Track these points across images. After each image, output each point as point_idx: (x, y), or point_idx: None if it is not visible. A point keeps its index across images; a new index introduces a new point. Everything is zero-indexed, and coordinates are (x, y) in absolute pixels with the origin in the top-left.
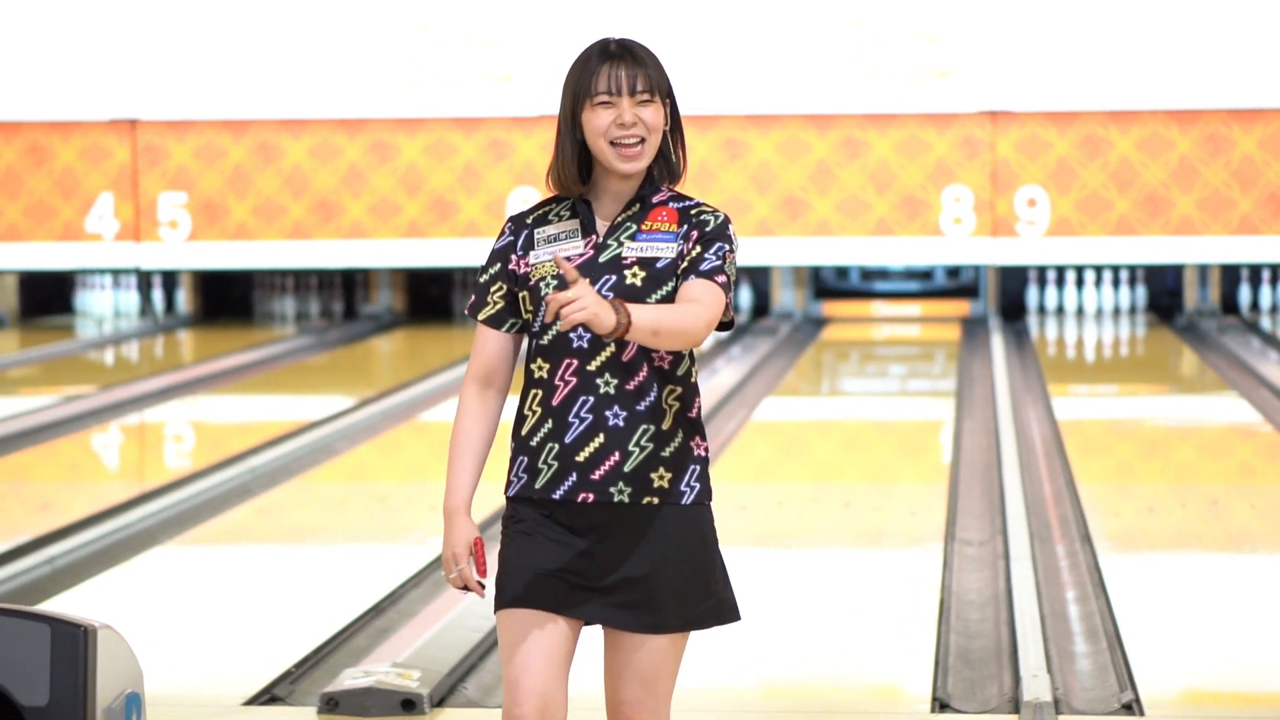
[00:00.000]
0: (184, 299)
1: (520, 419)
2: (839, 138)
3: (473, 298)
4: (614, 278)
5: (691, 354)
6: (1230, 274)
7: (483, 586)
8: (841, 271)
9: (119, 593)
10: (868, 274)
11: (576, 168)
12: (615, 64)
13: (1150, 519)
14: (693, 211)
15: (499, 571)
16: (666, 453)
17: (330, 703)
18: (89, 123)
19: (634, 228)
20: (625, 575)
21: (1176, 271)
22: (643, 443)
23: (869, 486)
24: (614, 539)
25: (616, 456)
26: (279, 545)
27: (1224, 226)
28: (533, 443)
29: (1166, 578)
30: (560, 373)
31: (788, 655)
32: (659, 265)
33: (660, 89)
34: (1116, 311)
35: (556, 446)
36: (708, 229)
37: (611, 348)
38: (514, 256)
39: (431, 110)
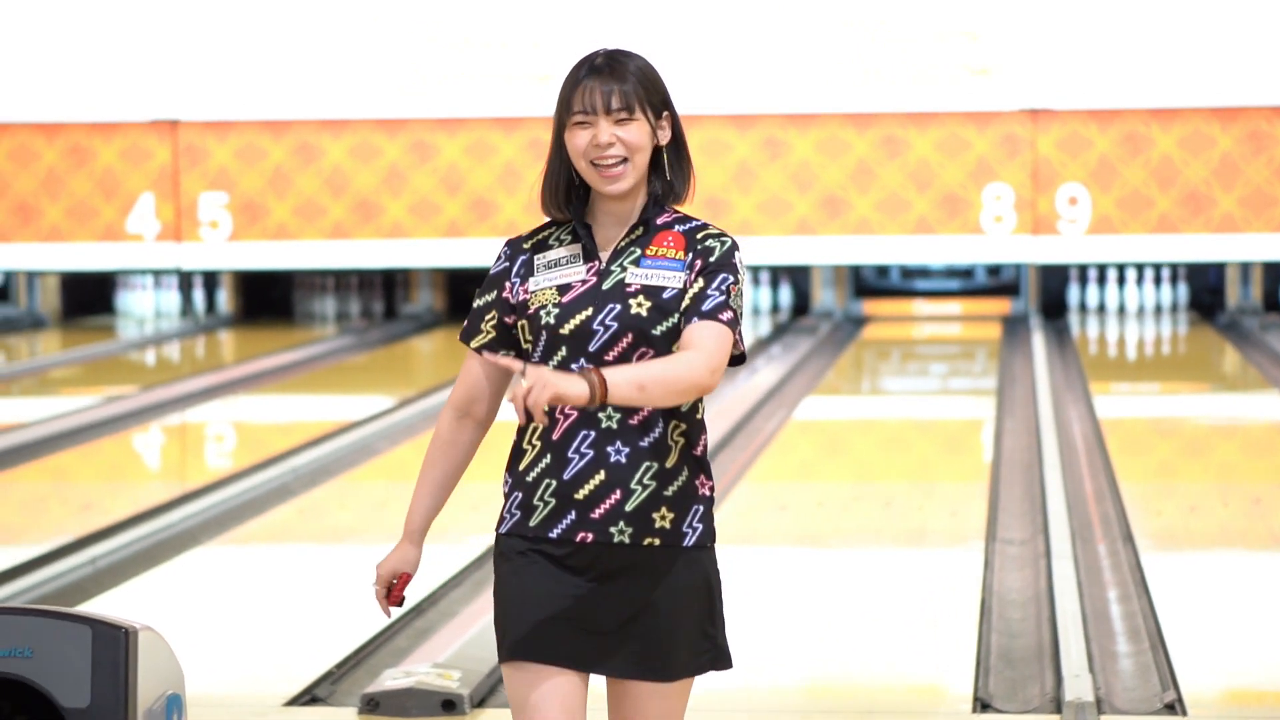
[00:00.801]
0: (225, 299)
1: (518, 453)
2: (879, 136)
3: (466, 323)
4: (618, 307)
5: None
6: (1273, 271)
7: (389, 614)
8: (882, 270)
9: (160, 593)
10: (908, 272)
11: (565, 189)
12: (594, 80)
13: (1192, 518)
14: (698, 235)
15: (498, 615)
16: (670, 492)
17: (371, 703)
18: (130, 124)
19: (638, 252)
20: (628, 621)
21: (1218, 269)
22: (645, 481)
23: (910, 486)
24: (613, 582)
25: (617, 495)
26: (320, 545)
27: (1266, 224)
28: (529, 478)
29: (1209, 577)
30: (562, 405)
31: (829, 655)
32: (665, 296)
33: (646, 105)
34: (1158, 309)
35: (554, 482)
36: (712, 257)
37: None
38: (509, 284)
39: (471, 110)
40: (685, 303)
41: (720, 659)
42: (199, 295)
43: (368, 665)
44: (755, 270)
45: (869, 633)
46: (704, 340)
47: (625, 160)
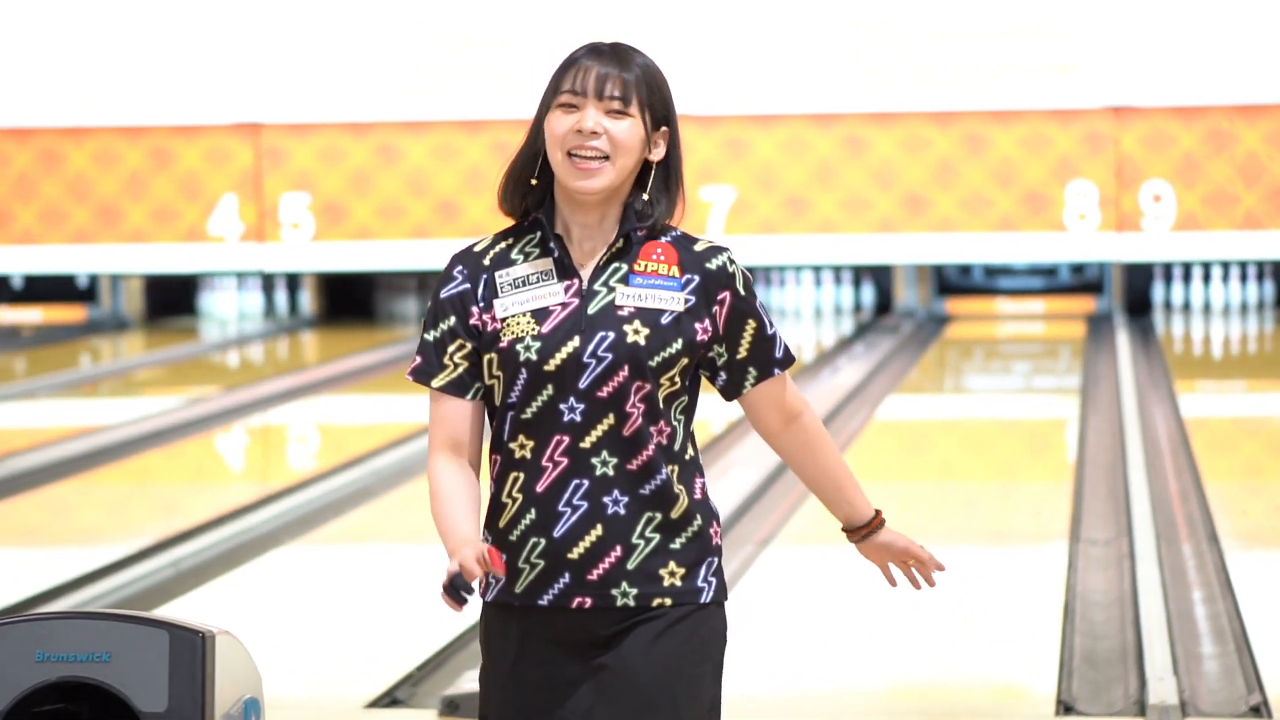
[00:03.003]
0: (307, 300)
1: (496, 508)
2: (961, 134)
3: (417, 359)
4: (611, 335)
5: (688, 422)
6: None
7: (495, 582)
8: (965, 268)
9: (242, 595)
10: (991, 271)
11: (524, 184)
12: (593, 61)
13: (1279, 518)
14: (697, 250)
15: (483, 700)
16: (677, 544)
17: (451, 705)
18: (212, 126)
19: (624, 268)
20: (635, 694)
21: None
22: (648, 533)
23: (993, 486)
24: (617, 651)
25: (618, 551)
26: (401, 546)
27: None
28: (512, 537)
29: None
30: (548, 452)
31: (911, 656)
32: (663, 321)
33: (646, 106)
34: (1243, 307)
35: (543, 541)
36: (738, 285)
37: (610, 419)
38: (474, 309)
39: None
40: (742, 349)
41: None
42: (281, 296)
43: (448, 667)
44: (837, 269)
45: (951, 634)
46: (797, 395)
47: (606, 158)
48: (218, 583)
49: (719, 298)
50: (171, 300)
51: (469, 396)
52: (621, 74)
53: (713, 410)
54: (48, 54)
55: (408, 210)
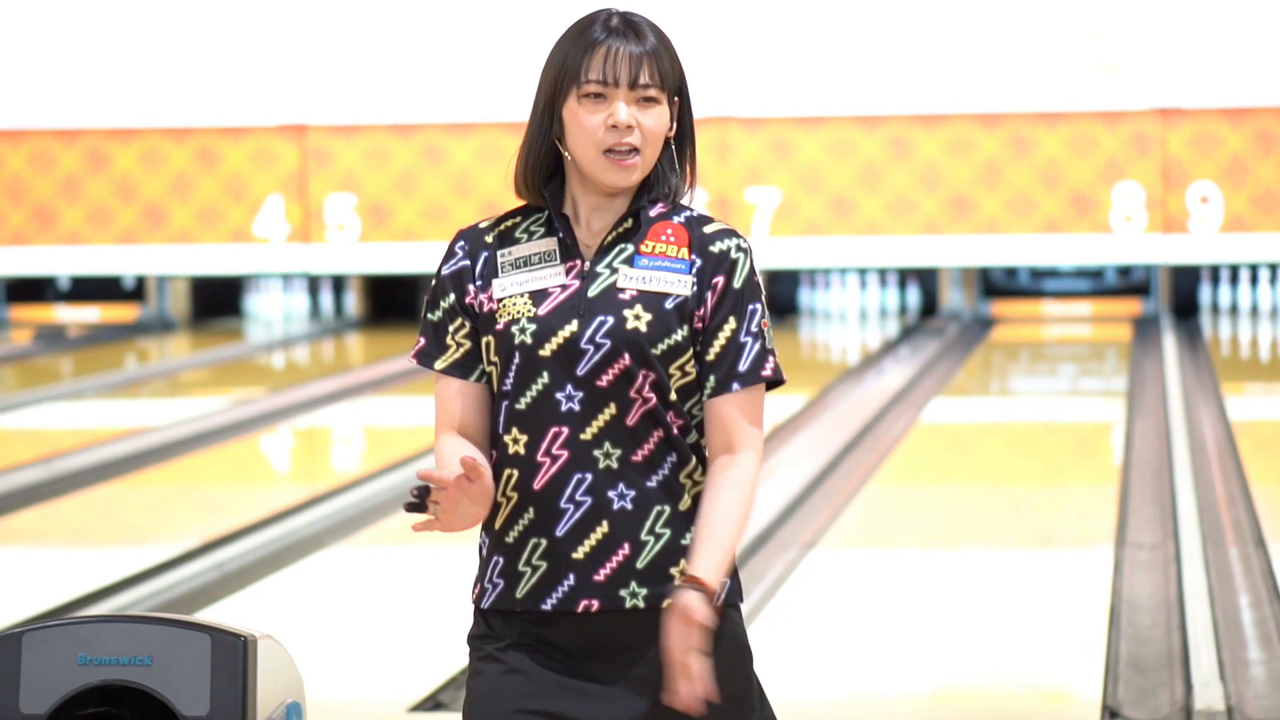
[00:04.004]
0: (352, 301)
1: (495, 506)
2: (1007, 135)
3: (420, 341)
4: (610, 319)
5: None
6: None
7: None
8: (1010, 270)
9: (286, 597)
10: (1037, 273)
11: (545, 174)
12: (618, 42)
13: None
14: (707, 232)
15: (466, 709)
16: (689, 539)
17: None
18: (258, 127)
19: (630, 249)
20: (646, 707)
21: None
22: (658, 529)
23: (1039, 489)
24: (626, 659)
25: (626, 549)
26: (446, 548)
27: None
28: (509, 538)
29: None
30: (545, 445)
31: (956, 660)
32: (668, 305)
33: (670, 84)
34: None
35: (544, 542)
36: (736, 278)
37: (612, 408)
38: (471, 286)
39: None
40: (713, 350)
41: None
42: (327, 298)
43: None
44: (883, 272)
45: (996, 637)
46: (750, 426)
47: (636, 150)
48: (262, 585)
49: (713, 282)
50: (217, 301)
51: (473, 378)
52: (645, 52)
53: None
54: (96, 55)
55: (453, 211)
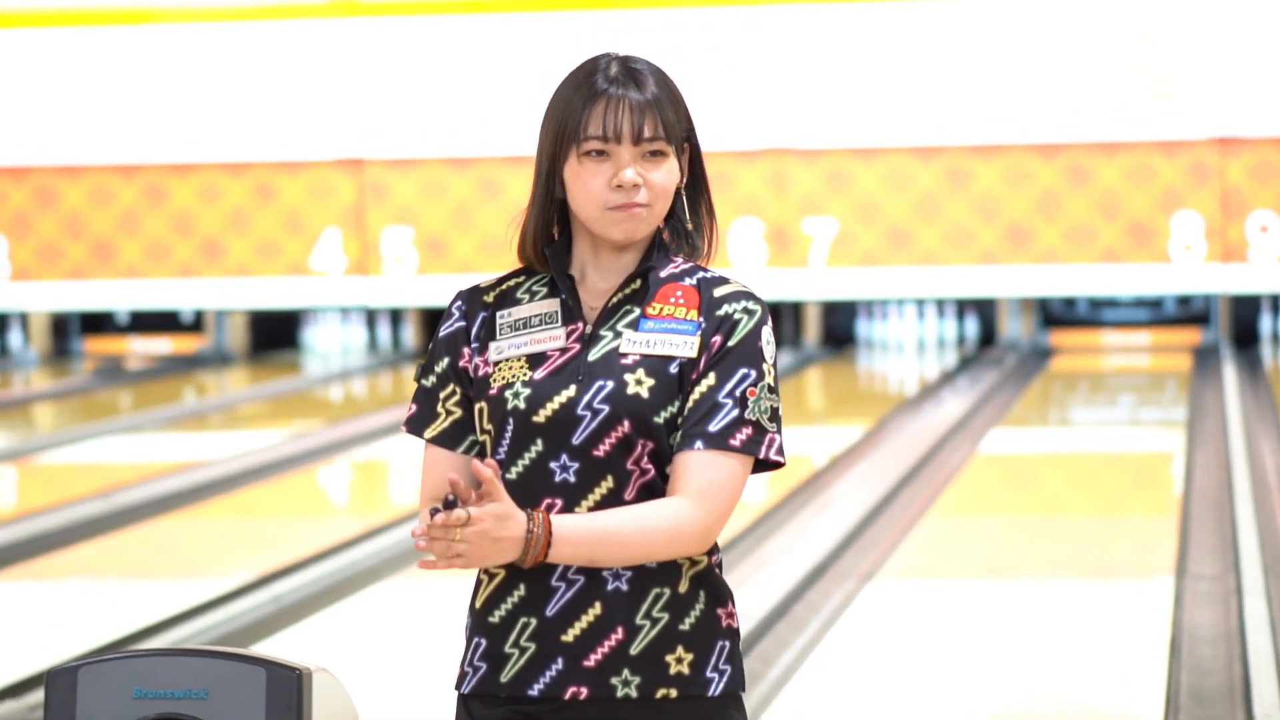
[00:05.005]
0: (410, 334)
1: (477, 584)
2: (1065, 165)
3: (413, 408)
4: (610, 384)
5: None
6: None
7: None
8: (1069, 300)
9: (342, 630)
10: (1096, 303)
11: (547, 239)
12: (619, 93)
13: None
14: (717, 294)
15: None
16: (687, 625)
17: None
18: (315, 162)
19: (636, 312)
20: None
21: None
22: (654, 613)
23: (1098, 520)
24: None
25: (619, 634)
26: None
27: None
28: (495, 618)
29: None
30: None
31: (1015, 692)
32: (671, 369)
33: (676, 134)
34: None
35: (533, 622)
36: (733, 337)
37: (609, 481)
38: (466, 350)
39: None
40: (688, 404)
41: None
42: (384, 330)
43: None
44: (940, 302)
45: (1056, 669)
46: (704, 482)
47: (645, 207)
48: (318, 618)
49: (712, 341)
50: (275, 334)
51: (461, 449)
52: (648, 102)
53: (813, 443)
54: (152, 91)
55: (509, 244)
